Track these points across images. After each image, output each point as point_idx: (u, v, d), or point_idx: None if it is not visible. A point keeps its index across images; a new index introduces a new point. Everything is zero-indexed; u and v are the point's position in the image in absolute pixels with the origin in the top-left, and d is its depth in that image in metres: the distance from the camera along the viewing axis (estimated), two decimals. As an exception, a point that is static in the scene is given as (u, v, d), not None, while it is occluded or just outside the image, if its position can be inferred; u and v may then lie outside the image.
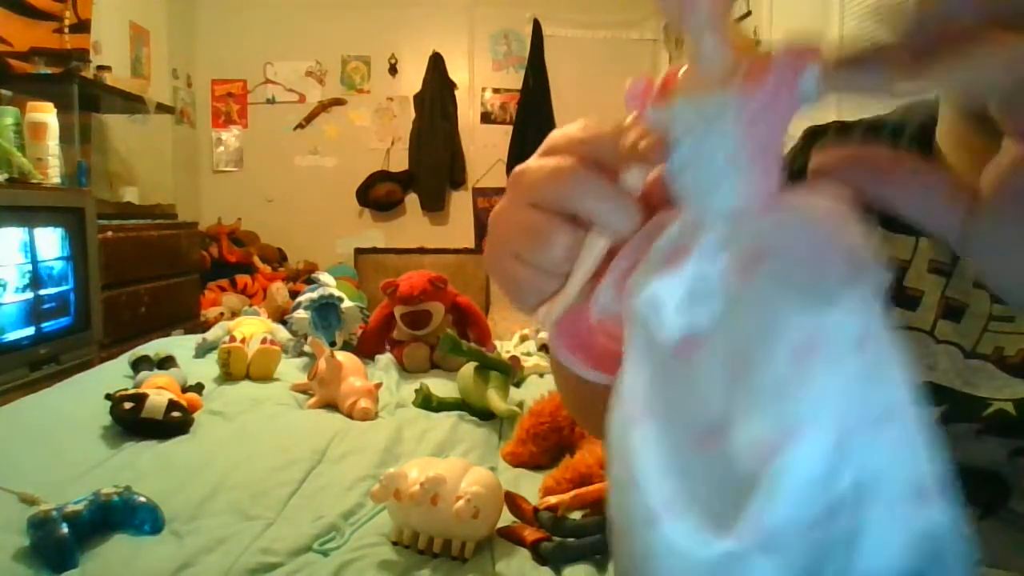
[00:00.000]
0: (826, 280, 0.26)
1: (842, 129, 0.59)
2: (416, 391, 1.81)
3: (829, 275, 0.26)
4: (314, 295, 2.25)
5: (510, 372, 1.80)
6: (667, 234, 0.30)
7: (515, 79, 4.98)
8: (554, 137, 0.34)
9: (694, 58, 0.29)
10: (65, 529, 1.02)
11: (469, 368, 1.78)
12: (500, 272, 0.35)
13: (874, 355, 0.27)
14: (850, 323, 0.26)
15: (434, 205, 4.99)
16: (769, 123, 0.28)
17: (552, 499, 1.17)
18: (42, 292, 2.41)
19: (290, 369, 2.09)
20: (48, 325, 2.43)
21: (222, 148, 5.01)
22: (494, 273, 0.36)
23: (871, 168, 0.27)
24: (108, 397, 1.57)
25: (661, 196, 0.33)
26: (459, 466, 1.14)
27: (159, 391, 1.59)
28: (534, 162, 0.34)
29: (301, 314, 2.21)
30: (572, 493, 1.18)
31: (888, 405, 0.27)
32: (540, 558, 1.05)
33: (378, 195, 4.93)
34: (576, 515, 1.16)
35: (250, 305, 3.54)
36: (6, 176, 2.30)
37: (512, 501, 1.16)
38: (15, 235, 2.30)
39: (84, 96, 3.06)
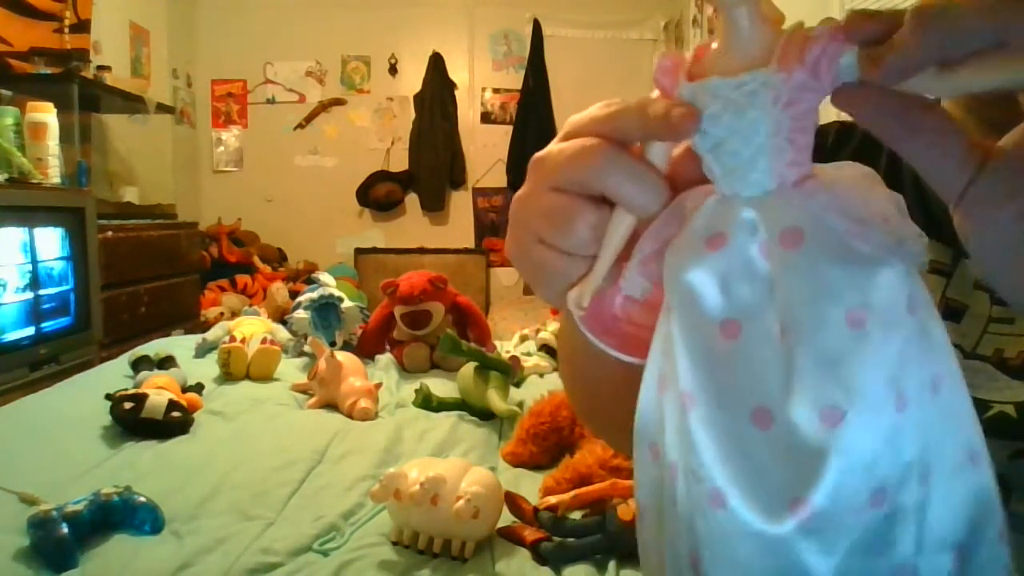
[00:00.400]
0: (871, 244, 0.27)
1: (843, 130, 0.59)
2: (416, 391, 1.81)
3: (873, 239, 0.27)
4: (314, 295, 2.25)
5: (510, 372, 1.80)
6: (701, 215, 0.30)
7: (515, 79, 4.98)
8: (573, 120, 0.33)
9: (727, 32, 0.29)
10: (65, 529, 1.02)
11: (469, 368, 1.78)
12: (524, 259, 0.35)
13: (923, 318, 0.27)
14: (899, 287, 0.26)
15: (434, 205, 4.99)
16: (806, 102, 0.28)
17: (552, 499, 1.17)
18: (42, 292, 2.41)
19: (290, 369, 2.09)
20: (48, 325, 2.43)
21: (222, 148, 5.01)
22: (518, 260, 0.35)
23: (899, 109, 0.27)
24: (108, 397, 1.57)
25: (684, 175, 0.32)
26: (459, 466, 1.14)
27: (159, 391, 1.59)
28: (555, 146, 0.33)
29: (301, 314, 2.21)
30: (572, 493, 1.18)
31: (939, 369, 0.27)
32: (540, 558, 1.05)
33: (378, 195, 4.93)
34: (576, 515, 1.15)
35: (250, 305, 3.54)
36: (6, 176, 2.30)
37: (512, 501, 1.16)
38: (15, 235, 2.30)
39: (84, 96, 3.06)
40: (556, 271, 0.34)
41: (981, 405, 0.49)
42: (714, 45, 0.30)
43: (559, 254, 0.33)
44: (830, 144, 0.58)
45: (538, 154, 0.34)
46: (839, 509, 0.26)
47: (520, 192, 0.35)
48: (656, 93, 0.31)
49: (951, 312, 0.52)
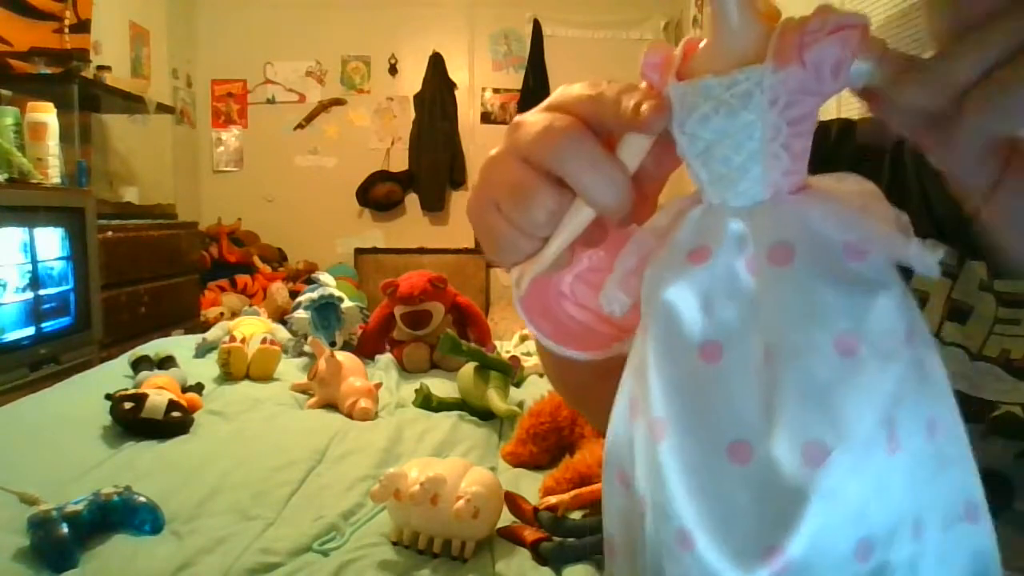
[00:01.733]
0: (868, 265, 0.24)
1: (845, 128, 0.59)
2: (416, 391, 1.81)
3: (871, 260, 0.24)
4: (314, 295, 2.25)
5: (510, 372, 1.80)
6: (685, 226, 0.28)
7: (515, 79, 4.98)
8: (559, 92, 0.32)
9: (718, 27, 0.26)
10: (65, 529, 1.02)
11: (469, 368, 1.78)
12: (480, 221, 0.33)
13: (921, 352, 0.25)
14: (897, 311, 0.24)
15: (434, 205, 4.99)
16: (805, 105, 0.25)
17: (552, 499, 1.17)
18: (42, 292, 2.41)
19: (290, 369, 2.09)
20: (48, 325, 2.43)
21: (222, 148, 5.01)
22: (474, 221, 0.34)
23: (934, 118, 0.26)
24: (108, 397, 1.57)
25: (653, 178, 0.30)
26: (459, 466, 1.14)
27: (159, 391, 1.59)
28: (533, 114, 0.32)
29: (301, 314, 2.21)
30: (572, 493, 1.18)
31: (936, 410, 0.25)
32: (540, 558, 1.05)
33: (378, 195, 4.93)
34: (576, 515, 1.15)
35: (250, 305, 3.53)
36: (6, 176, 2.30)
37: (512, 501, 1.16)
38: (15, 235, 2.30)
39: (84, 96, 3.06)
40: (506, 243, 0.33)
41: (987, 405, 0.49)
42: (703, 43, 0.28)
43: (512, 228, 0.32)
44: (832, 142, 0.58)
45: (518, 117, 0.33)
46: (818, 561, 0.23)
47: (493, 153, 0.34)
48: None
49: (957, 313, 0.51)
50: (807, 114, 0.26)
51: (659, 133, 0.28)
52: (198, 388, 1.82)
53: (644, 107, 0.28)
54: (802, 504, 0.23)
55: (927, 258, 0.24)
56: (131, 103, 3.59)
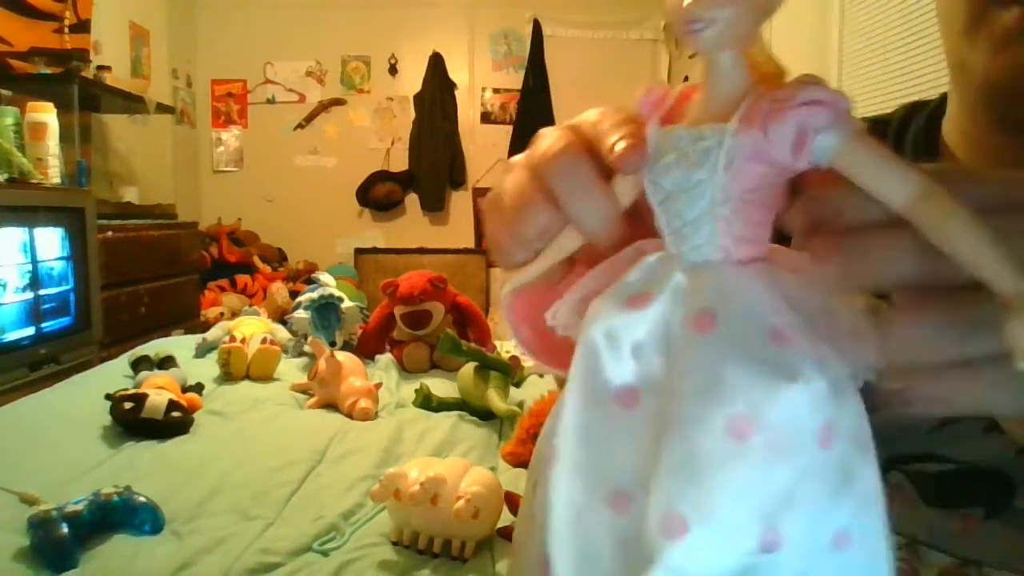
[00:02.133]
0: (789, 353, 0.23)
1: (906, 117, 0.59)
2: (416, 391, 1.81)
3: (794, 348, 0.23)
4: (314, 295, 2.25)
5: (510, 372, 1.80)
6: (638, 269, 0.27)
7: (515, 79, 4.98)
8: (586, 113, 0.32)
9: (707, 78, 0.26)
10: (65, 529, 1.02)
11: (469, 368, 1.78)
12: (489, 219, 0.34)
13: (840, 457, 0.23)
14: (810, 408, 0.23)
15: (434, 205, 4.99)
16: (759, 174, 0.25)
17: (552, 499, 1.17)
18: (42, 292, 2.41)
19: (290, 369, 2.09)
20: (48, 325, 2.43)
21: (222, 148, 5.01)
22: (486, 216, 0.35)
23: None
24: (108, 397, 1.57)
25: (645, 214, 0.30)
26: (459, 466, 1.14)
27: (159, 391, 1.59)
28: (551, 129, 0.33)
29: (301, 314, 2.21)
30: (572, 493, 1.18)
31: (853, 522, 0.24)
32: (540, 558, 1.05)
33: (378, 195, 4.93)
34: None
35: (250, 305, 3.53)
36: (6, 176, 2.30)
37: (512, 501, 1.16)
38: (15, 235, 2.30)
39: (84, 96, 3.06)
40: (503, 248, 0.33)
41: None
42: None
43: (509, 235, 0.33)
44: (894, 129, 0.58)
45: (544, 129, 0.34)
46: None
47: (518, 157, 0.34)
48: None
49: None
50: (765, 184, 0.25)
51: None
52: (198, 388, 1.82)
53: (619, 147, 0.27)
54: (649, 571, 0.23)
55: (858, 361, 0.24)
56: (131, 103, 3.59)
